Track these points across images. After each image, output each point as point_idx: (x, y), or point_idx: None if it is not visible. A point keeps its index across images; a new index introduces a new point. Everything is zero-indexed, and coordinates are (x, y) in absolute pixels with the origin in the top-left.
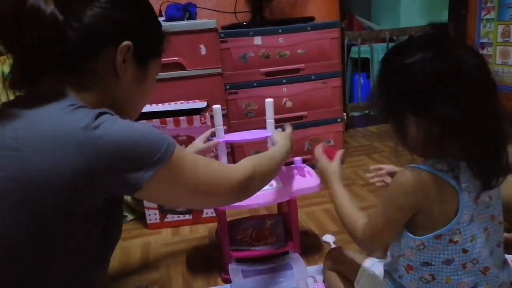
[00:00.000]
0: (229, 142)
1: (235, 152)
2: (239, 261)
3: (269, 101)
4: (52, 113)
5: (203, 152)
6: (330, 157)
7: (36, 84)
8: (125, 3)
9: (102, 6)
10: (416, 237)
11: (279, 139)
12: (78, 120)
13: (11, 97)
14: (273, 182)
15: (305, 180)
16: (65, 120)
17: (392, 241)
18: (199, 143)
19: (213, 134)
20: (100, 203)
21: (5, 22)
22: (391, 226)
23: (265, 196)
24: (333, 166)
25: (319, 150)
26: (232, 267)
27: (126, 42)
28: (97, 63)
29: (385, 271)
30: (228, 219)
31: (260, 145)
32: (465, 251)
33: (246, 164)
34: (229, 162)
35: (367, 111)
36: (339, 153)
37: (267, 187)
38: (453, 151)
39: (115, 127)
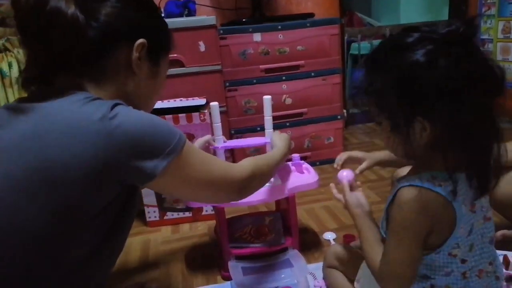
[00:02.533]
0: (229, 148)
1: (235, 151)
2: (239, 258)
3: (267, 98)
4: (69, 104)
5: (203, 147)
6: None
7: (51, 81)
8: (134, 2)
9: (113, 5)
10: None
11: (277, 141)
12: (95, 111)
13: (10, 96)
14: (272, 179)
15: (303, 177)
16: (82, 111)
17: (414, 278)
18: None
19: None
20: (116, 194)
21: (26, 23)
22: (410, 257)
23: (264, 193)
24: (346, 198)
25: (333, 187)
26: (231, 264)
27: (141, 40)
28: (113, 60)
29: None
30: (227, 216)
31: (260, 147)
32: (463, 261)
33: (246, 164)
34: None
35: (367, 108)
36: (346, 178)
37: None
38: (452, 162)
39: (130, 117)
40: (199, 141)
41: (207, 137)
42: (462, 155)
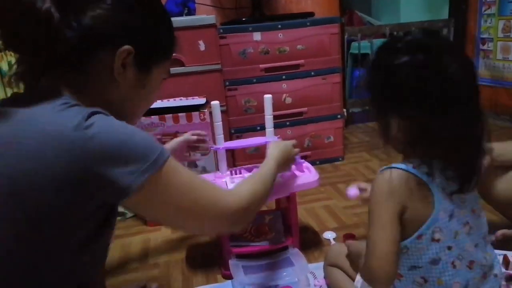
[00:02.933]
0: (229, 148)
1: (235, 151)
2: (239, 257)
3: (267, 97)
4: (45, 111)
5: (179, 147)
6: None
7: (38, 79)
8: (131, 5)
9: (105, 7)
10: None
11: (271, 150)
12: (70, 119)
13: (9, 93)
14: None
15: (304, 176)
16: (56, 119)
17: (397, 262)
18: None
19: (199, 141)
20: (91, 211)
21: (3, 19)
22: (387, 232)
23: None
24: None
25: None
26: (232, 262)
27: (126, 47)
28: (94, 65)
29: None
30: None
31: (260, 146)
32: (449, 248)
33: (243, 192)
34: (228, 162)
35: (367, 107)
36: (352, 195)
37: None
38: (430, 152)
39: (108, 127)
40: (175, 141)
41: (186, 136)
42: (436, 149)
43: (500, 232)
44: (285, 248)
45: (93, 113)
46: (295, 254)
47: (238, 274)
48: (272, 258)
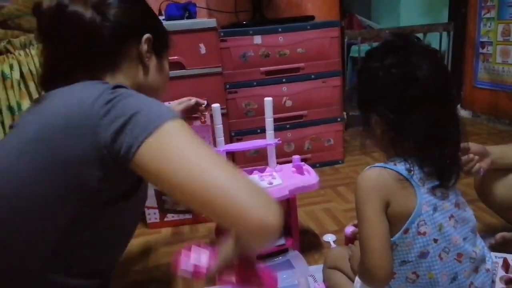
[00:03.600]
0: (230, 151)
1: (235, 154)
2: None
3: (268, 100)
4: (78, 85)
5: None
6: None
7: (71, 79)
8: (133, 3)
9: (119, 6)
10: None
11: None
12: (93, 92)
13: (11, 97)
14: (273, 180)
15: (304, 178)
16: (86, 90)
17: (391, 258)
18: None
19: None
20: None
21: (48, 27)
22: (376, 229)
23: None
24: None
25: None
26: None
27: (147, 35)
28: (125, 54)
29: None
30: None
31: (260, 149)
32: (435, 240)
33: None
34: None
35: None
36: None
37: (266, 185)
38: (406, 150)
39: (125, 97)
40: (178, 101)
41: (189, 98)
42: (412, 146)
43: (499, 235)
44: (285, 250)
45: (116, 87)
46: (295, 256)
47: None
48: (272, 261)
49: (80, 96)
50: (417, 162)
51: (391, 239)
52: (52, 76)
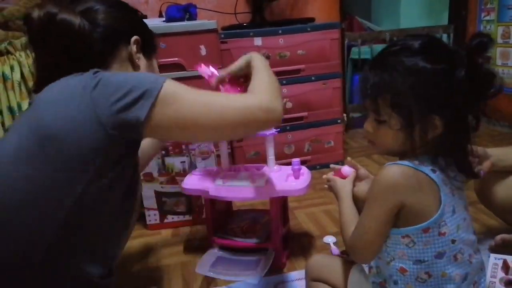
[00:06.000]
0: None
1: (235, 152)
2: (223, 248)
3: None
4: (69, 77)
5: None
6: (343, 178)
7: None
8: (121, 7)
9: (104, 11)
10: (401, 229)
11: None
12: (84, 78)
13: (12, 98)
14: (257, 180)
15: (290, 182)
16: (74, 79)
17: (380, 248)
18: None
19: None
20: (116, 153)
21: (39, 36)
22: (378, 225)
23: (242, 191)
24: (347, 184)
25: (330, 175)
26: (210, 251)
27: (135, 36)
28: (116, 56)
29: (375, 283)
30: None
31: (261, 146)
32: (453, 241)
33: (257, 89)
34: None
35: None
36: (352, 173)
37: (247, 183)
38: (435, 149)
39: (110, 74)
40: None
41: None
42: (445, 145)
43: (499, 237)
44: (264, 250)
45: (96, 71)
46: (267, 256)
47: (204, 262)
48: (250, 257)
49: (70, 83)
50: (442, 162)
51: (404, 230)
52: (46, 81)
